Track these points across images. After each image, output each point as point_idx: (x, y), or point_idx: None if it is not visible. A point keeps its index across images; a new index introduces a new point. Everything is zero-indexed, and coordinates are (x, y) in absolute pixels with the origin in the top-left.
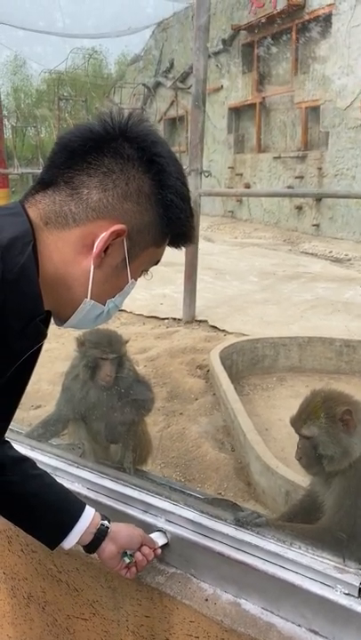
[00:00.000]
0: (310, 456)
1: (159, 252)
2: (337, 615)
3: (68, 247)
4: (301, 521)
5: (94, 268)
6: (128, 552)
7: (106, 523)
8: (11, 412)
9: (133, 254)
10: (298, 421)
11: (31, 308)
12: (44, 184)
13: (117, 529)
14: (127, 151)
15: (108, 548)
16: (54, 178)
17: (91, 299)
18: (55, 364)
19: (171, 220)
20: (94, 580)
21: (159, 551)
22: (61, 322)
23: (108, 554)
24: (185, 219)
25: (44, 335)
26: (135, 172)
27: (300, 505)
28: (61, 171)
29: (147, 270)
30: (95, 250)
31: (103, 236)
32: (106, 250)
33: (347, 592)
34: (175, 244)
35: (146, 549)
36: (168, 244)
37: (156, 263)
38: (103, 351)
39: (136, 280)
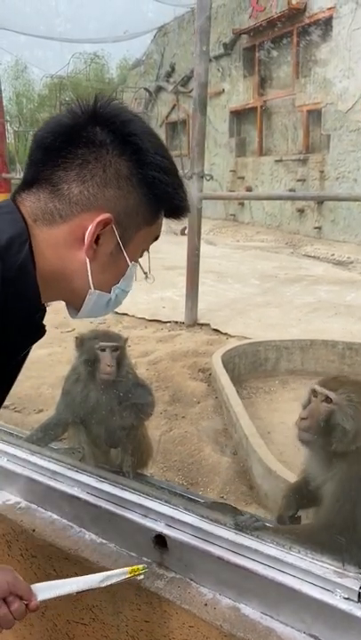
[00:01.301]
0: (318, 421)
1: (155, 228)
2: (337, 620)
3: (60, 243)
4: (302, 497)
5: (90, 261)
6: None
7: None
8: None
9: (127, 238)
10: (331, 383)
11: (30, 305)
12: (27, 183)
13: None
14: (99, 137)
15: None
16: (35, 176)
17: (95, 289)
18: (57, 368)
19: (158, 196)
20: None
21: (34, 604)
22: (75, 312)
23: None
24: (173, 192)
25: (43, 331)
26: (110, 156)
27: (294, 493)
28: (40, 168)
29: (147, 249)
30: (86, 242)
31: (90, 228)
32: (97, 240)
33: (346, 596)
34: (171, 217)
35: (11, 599)
36: (165, 217)
37: (156, 239)
38: (101, 341)
39: (137, 261)
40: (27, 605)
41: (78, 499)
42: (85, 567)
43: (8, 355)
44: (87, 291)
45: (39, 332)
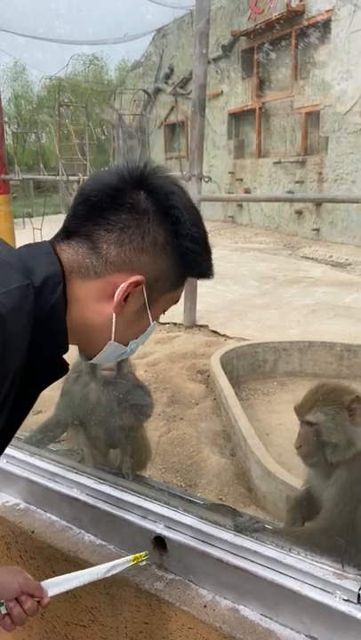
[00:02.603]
0: (312, 444)
1: (178, 293)
2: (336, 621)
3: (90, 296)
4: (304, 511)
5: (116, 316)
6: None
7: None
8: (10, 440)
9: (153, 299)
10: (303, 407)
11: (57, 346)
12: (67, 233)
13: None
14: (142, 205)
15: None
16: (76, 229)
17: (114, 341)
18: None
19: (187, 265)
20: (93, 587)
21: (46, 601)
22: (87, 359)
23: None
24: (201, 261)
25: (66, 369)
26: (150, 225)
27: (298, 506)
28: (82, 223)
29: (167, 310)
30: (116, 300)
31: (122, 286)
32: (126, 298)
33: (346, 598)
34: (195, 278)
35: (23, 598)
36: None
37: (176, 302)
38: None
39: (157, 321)
40: (38, 602)
41: (77, 500)
42: (84, 569)
43: (29, 391)
44: (105, 342)
45: (62, 371)
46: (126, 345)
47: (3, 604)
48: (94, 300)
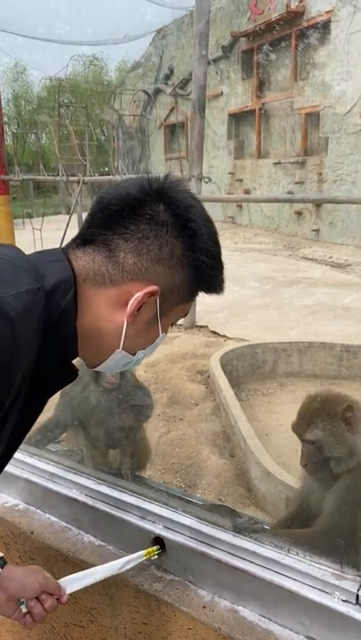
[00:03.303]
0: (317, 461)
1: (188, 306)
2: (335, 622)
3: (104, 304)
4: (299, 525)
5: (127, 325)
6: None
7: None
8: (19, 445)
9: (164, 311)
10: (300, 427)
11: (66, 350)
12: (84, 240)
13: (10, 574)
14: (161, 217)
15: None
16: (93, 237)
17: (122, 350)
18: None
19: (201, 279)
20: (92, 587)
21: (65, 598)
22: (90, 367)
23: None
24: (215, 275)
25: (76, 374)
26: (168, 237)
27: (297, 510)
28: (100, 231)
29: (176, 322)
30: (129, 309)
31: (137, 296)
32: (139, 308)
33: (345, 599)
34: (205, 293)
35: (43, 597)
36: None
37: (185, 316)
38: None
39: (166, 333)
40: (58, 600)
41: (77, 501)
42: (84, 569)
43: (40, 397)
44: (113, 350)
45: (72, 376)
46: (133, 355)
47: (23, 603)
48: (107, 308)
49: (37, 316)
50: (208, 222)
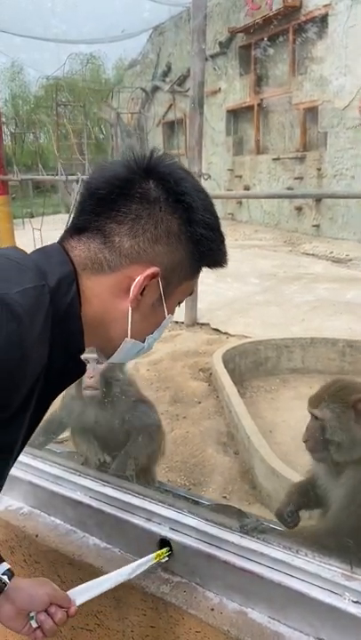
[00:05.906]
0: (317, 439)
1: (192, 284)
2: (346, 624)
3: (105, 291)
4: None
5: (132, 310)
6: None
7: (4, 578)
8: (26, 444)
9: (169, 291)
10: (313, 401)
11: (74, 346)
12: (77, 229)
13: (18, 586)
14: (153, 194)
15: (4, 608)
16: (86, 224)
17: (131, 338)
18: None
19: (202, 253)
20: None
21: (74, 610)
22: (105, 358)
23: (4, 615)
24: (216, 248)
25: (84, 370)
26: (162, 214)
27: (298, 490)
28: (92, 217)
29: (182, 302)
30: (132, 294)
31: (138, 279)
32: (142, 292)
33: (355, 600)
34: (209, 267)
35: (53, 609)
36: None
37: (190, 294)
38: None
39: (173, 314)
40: (67, 612)
41: (81, 503)
42: (90, 572)
43: (48, 393)
44: (122, 339)
45: (81, 371)
46: (143, 341)
47: (33, 618)
48: (109, 296)
49: (45, 313)
50: (202, 193)
